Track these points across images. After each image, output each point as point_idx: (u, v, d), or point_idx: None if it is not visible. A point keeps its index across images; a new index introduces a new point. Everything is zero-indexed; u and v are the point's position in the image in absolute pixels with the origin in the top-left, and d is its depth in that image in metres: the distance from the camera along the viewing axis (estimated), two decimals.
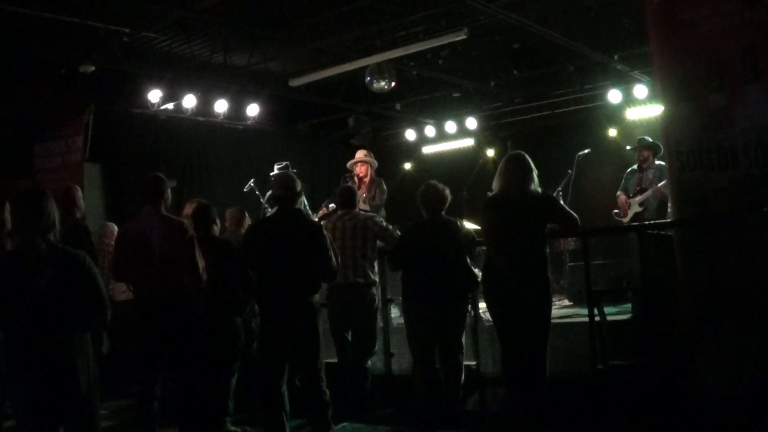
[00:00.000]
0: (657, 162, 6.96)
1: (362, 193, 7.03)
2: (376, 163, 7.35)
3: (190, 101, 8.70)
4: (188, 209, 5.26)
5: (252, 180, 7.38)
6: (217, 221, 5.15)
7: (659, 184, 6.81)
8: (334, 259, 4.46)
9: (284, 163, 7.72)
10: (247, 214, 6.15)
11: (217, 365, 4.78)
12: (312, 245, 4.40)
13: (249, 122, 9.71)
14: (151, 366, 4.46)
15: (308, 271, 4.39)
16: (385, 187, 7.16)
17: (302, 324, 4.34)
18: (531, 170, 4.54)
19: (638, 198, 7.05)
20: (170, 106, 8.78)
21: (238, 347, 4.90)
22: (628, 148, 7.43)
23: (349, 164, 7.31)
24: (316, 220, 6.04)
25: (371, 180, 7.14)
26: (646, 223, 6.13)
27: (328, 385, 4.43)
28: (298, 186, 5.76)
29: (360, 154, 7.28)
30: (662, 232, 5.17)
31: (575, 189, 7.61)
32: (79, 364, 3.21)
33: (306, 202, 7.39)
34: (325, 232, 4.57)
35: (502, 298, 4.49)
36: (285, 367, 4.40)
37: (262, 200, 6.98)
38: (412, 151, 11.83)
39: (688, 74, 4.56)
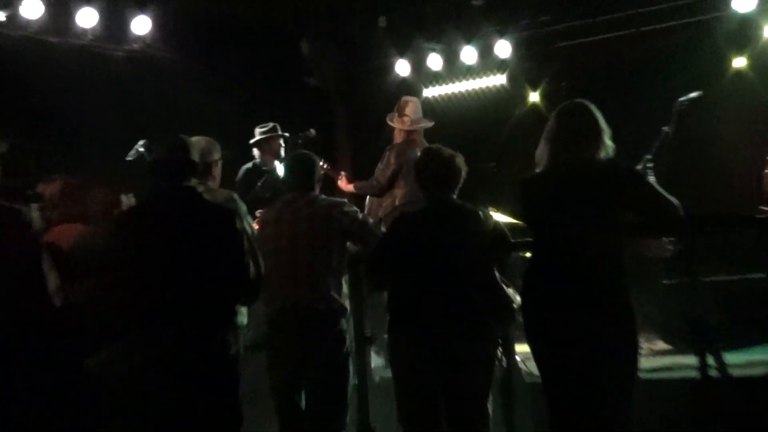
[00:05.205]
0: None
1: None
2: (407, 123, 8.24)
3: (33, 9, 8.62)
4: (44, 189, 5.32)
5: (141, 142, 7.37)
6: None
7: None
8: (252, 264, 4.49)
9: (269, 125, 8.29)
10: (128, 198, 6.12)
11: None
12: (215, 243, 4.41)
13: (135, 46, 9.64)
14: None
15: (211, 288, 4.40)
16: (392, 160, 7.96)
17: (207, 382, 4.33)
18: (600, 130, 4.61)
19: None
20: (0, 16, 8.70)
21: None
22: None
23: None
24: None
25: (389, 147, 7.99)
26: None
27: None
28: (214, 153, 5.74)
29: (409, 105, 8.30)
30: None
31: (675, 158, 7.67)
32: None
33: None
34: (241, 223, 4.59)
35: (554, 333, 4.54)
36: None
37: None
38: (405, 95, 11.80)
39: None
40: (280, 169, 8.36)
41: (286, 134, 8.42)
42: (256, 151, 8.50)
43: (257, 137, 8.47)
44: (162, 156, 4.59)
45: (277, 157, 8.39)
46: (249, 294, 4.74)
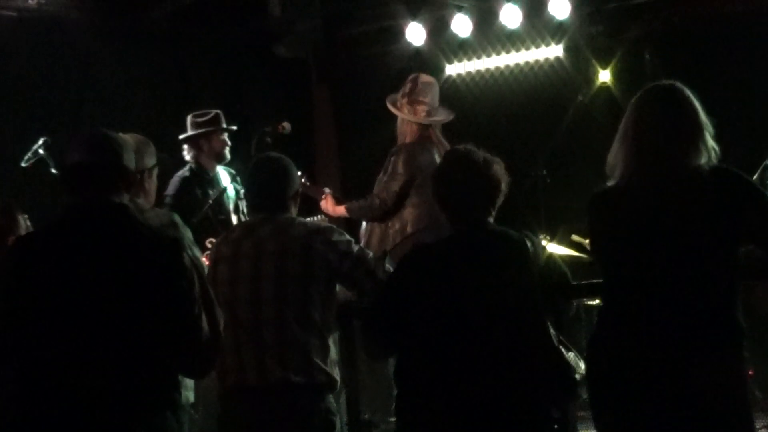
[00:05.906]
0: None
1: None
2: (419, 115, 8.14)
3: None
4: None
5: (41, 141, 7.40)
6: None
7: None
8: (205, 318, 4.43)
9: (210, 114, 8.43)
10: (25, 221, 6.13)
11: None
12: (155, 287, 4.36)
13: (31, 3, 9.65)
14: None
15: (145, 352, 4.35)
16: (400, 168, 7.90)
17: None
18: (700, 125, 4.61)
19: None
20: None
21: None
22: None
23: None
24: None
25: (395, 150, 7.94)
26: None
27: None
28: (146, 157, 5.74)
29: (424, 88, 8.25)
30: None
31: None
32: None
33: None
34: (189, 258, 4.52)
35: (634, 417, 4.54)
36: None
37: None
38: (418, 72, 11.82)
39: None
40: (224, 177, 8.34)
41: (233, 127, 8.43)
42: (187, 151, 8.42)
43: (190, 131, 8.46)
44: (80, 160, 4.49)
45: (220, 159, 8.48)
46: (200, 361, 4.61)
